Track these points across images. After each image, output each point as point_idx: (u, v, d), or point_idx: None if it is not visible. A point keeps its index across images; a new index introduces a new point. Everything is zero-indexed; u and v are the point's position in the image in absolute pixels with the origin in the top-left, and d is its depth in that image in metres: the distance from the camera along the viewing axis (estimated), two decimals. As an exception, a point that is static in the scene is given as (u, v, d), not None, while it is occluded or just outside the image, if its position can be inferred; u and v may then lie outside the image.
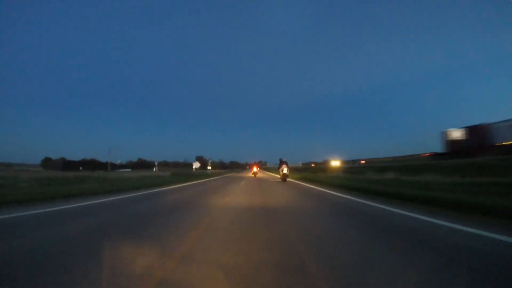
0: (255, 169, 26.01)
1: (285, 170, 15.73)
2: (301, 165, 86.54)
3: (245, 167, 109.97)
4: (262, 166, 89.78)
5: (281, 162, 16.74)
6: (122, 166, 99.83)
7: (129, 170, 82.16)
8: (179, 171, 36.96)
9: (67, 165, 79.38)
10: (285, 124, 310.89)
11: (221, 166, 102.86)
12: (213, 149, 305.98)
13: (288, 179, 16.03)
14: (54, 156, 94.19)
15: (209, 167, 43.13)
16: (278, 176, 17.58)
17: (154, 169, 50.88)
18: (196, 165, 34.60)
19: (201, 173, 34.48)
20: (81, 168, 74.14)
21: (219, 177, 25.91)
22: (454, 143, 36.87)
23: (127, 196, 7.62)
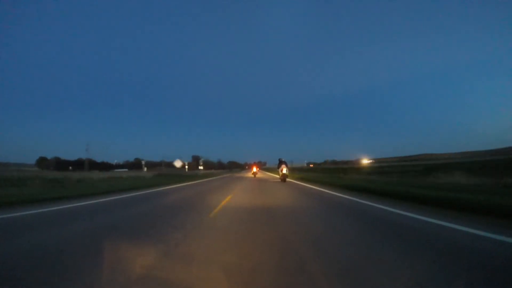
0: (254, 169, 25.88)
1: (284, 170, 15.30)
2: (306, 165, 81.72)
3: (244, 167, 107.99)
4: (262, 166, 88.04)
5: (280, 162, 16.22)
6: (119, 166, 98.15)
7: (126, 170, 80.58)
8: (169, 171, 33.87)
9: (60, 164, 77.84)
10: (285, 124, 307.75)
11: (220, 166, 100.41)
12: (212, 149, 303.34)
13: (296, 182, 14.95)
14: (54, 155, 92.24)
15: (200, 167, 38.74)
16: (278, 176, 17.27)
17: (145, 169, 48.01)
18: (178, 163, 31.32)
19: (192, 173, 32.13)
20: (70, 167, 72.01)
21: (212, 178, 22.82)
22: None
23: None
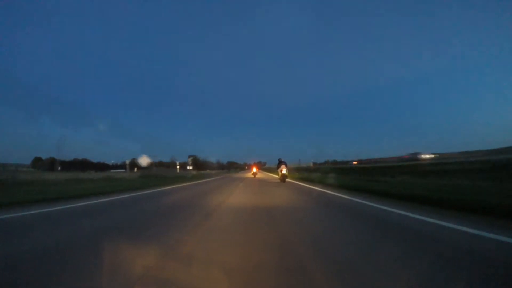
0: (254, 169, 27.23)
1: (284, 171, 15.01)
2: (312, 165, 74.15)
3: (243, 167, 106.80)
4: (262, 166, 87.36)
5: (280, 163, 15.86)
6: (116, 166, 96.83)
7: (123, 170, 79.50)
8: (161, 172, 31.02)
9: (55, 165, 76.59)
10: (285, 124, 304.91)
11: (219, 167, 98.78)
12: (212, 149, 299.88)
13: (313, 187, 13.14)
14: (52, 155, 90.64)
15: (189, 167, 34.73)
16: (277, 176, 16.94)
17: (135, 169, 45.96)
18: (144, 161, 27.10)
19: (182, 174, 30.10)
20: (59, 168, 70.51)
21: (200, 181, 18.88)
22: None
23: None
